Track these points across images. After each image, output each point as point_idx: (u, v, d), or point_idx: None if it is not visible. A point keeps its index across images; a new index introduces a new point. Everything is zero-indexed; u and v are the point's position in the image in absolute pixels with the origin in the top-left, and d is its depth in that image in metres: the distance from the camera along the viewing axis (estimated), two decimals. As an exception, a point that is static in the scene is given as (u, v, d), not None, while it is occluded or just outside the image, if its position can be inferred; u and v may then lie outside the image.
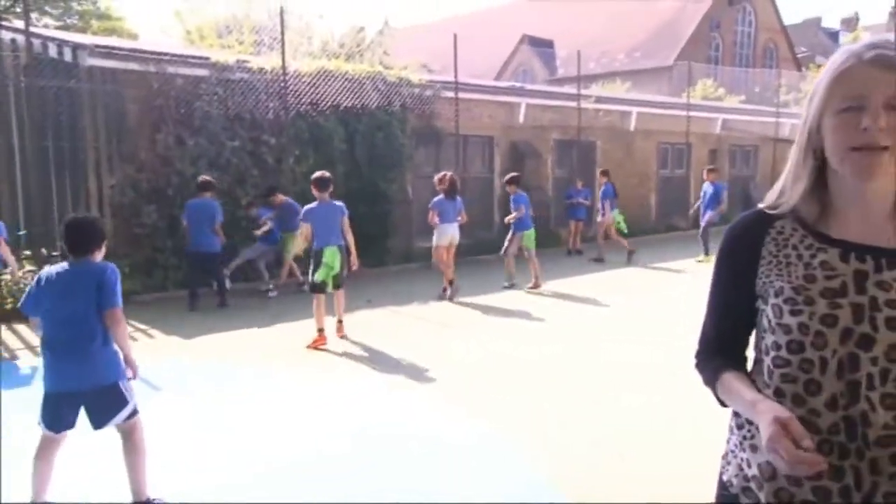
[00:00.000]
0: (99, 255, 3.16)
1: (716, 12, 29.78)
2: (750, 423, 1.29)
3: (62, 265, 3.13)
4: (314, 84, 10.67)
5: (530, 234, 9.54)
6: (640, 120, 16.38)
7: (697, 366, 1.41)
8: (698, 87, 22.83)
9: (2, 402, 4.35)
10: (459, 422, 4.42)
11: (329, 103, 10.77)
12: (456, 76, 12.35)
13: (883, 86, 1.14)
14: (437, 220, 8.76)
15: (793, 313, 1.20)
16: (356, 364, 5.86)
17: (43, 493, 3.09)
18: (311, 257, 6.56)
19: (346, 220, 6.51)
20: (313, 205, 6.53)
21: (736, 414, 1.36)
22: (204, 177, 8.54)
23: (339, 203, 6.59)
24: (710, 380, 1.36)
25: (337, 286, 6.62)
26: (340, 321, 6.79)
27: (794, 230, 1.27)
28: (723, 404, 1.37)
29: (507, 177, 9.85)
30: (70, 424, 3.09)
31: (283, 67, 10.41)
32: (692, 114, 17.30)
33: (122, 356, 3.12)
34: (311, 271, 6.60)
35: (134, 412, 3.16)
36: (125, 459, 3.16)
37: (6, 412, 4.20)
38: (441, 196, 8.79)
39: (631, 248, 12.14)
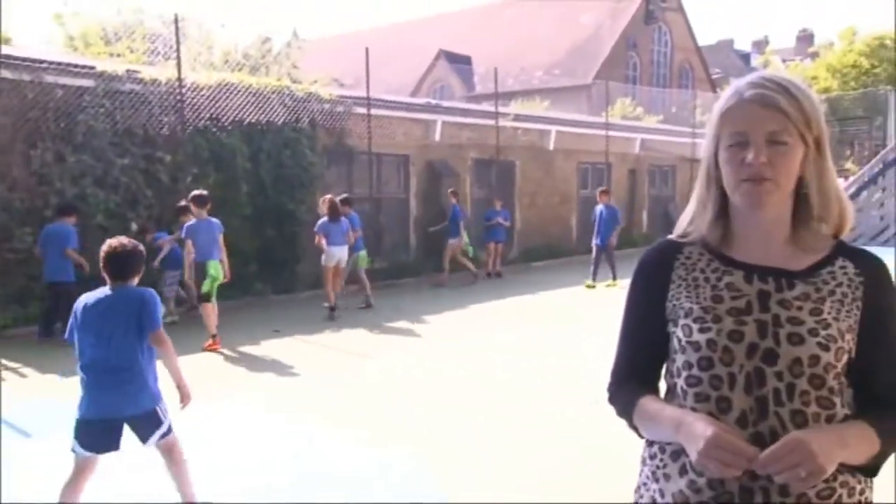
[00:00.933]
0: (136, 281, 3.41)
1: (632, 31, 31.31)
2: (662, 451, 1.36)
3: (102, 290, 3.35)
4: (214, 98, 10.45)
5: (363, 254, 10.14)
6: (560, 139, 16.87)
7: (611, 398, 1.48)
8: (617, 107, 23.77)
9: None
10: (389, 447, 4.40)
11: (231, 118, 10.57)
12: (368, 91, 12.37)
13: (763, 122, 1.28)
14: (323, 242, 9.21)
15: (701, 331, 1.30)
16: (264, 397, 5.72)
17: None
18: (194, 270, 7.54)
19: (221, 237, 7.51)
20: (192, 222, 7.49)
21: (649, 444, 1.42)
22: (68, 202, 8.45)
23: (215, 220, 7.56)
24: (626, 408, 1.42)
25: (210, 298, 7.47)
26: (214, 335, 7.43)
27: (702, 255, 1.39)
28: (639, 435, 1.43)
29: (340, 197, 10.02)
30: (113, 447, 3.28)
31: (180, 79, 10.15)
32: (611, 133, 17.98)
33: (170, 379, 3.40)
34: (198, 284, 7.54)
35: (168, 430, 3.39)
36: (170, 473, 3.43)
37: None
38: (325, 219, 9.28)
39: (476, 272, 12.54)
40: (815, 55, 31.56)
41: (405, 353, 7.36)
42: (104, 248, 3.36)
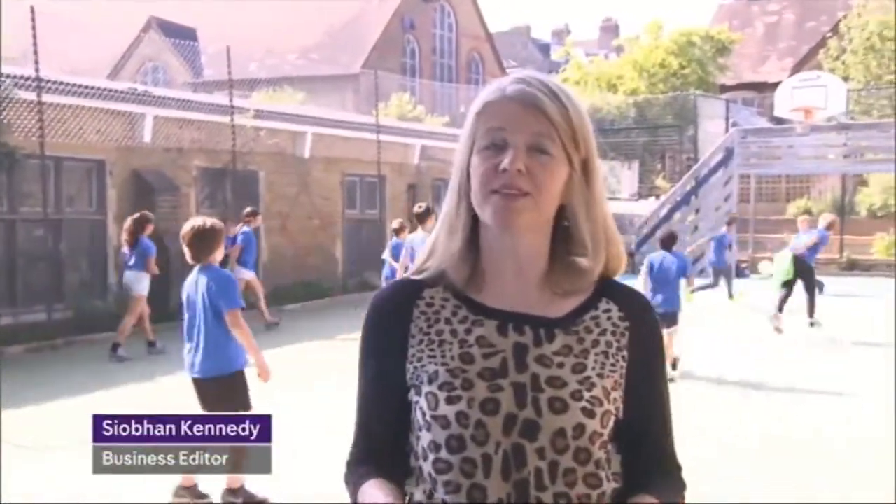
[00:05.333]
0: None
1: (408, 9, 32.57)
2: None
3: None
4: None
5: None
6: (319, 144, 16.95)
7: (345, 478, 1.52)
8: (392, 104, 24.45)
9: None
10: None
11: None
12: (37, 68, 11.61)
13: (524, 124, 1.37)
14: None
15: (450, 401, 1.36)
16: None
17: None
18: None
19: None
20: None
21: None
22: None
23: None
24: (353, 494, 1.47)
25: None
26: None
27: (446, 300, 1.46)
28: None
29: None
30: None
31: None
32: (384, 138, 18.34)
33: None
34: None
35: None
36: None
37: None
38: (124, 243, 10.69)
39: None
40: (620, 49, 35.04)
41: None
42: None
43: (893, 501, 4.58)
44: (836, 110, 20.84)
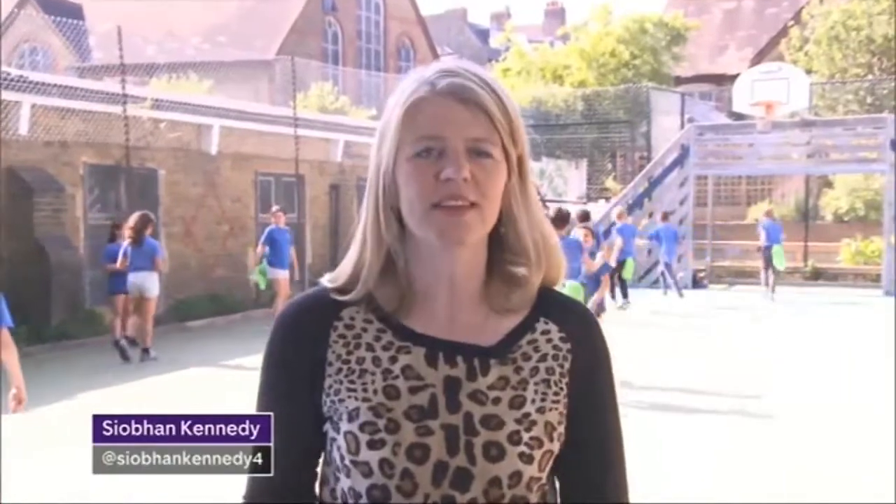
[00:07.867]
0: None
1: (330, -12, 32.53)
2: None
3: None
4: None
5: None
6: (228, 138, 16.80)
7: None
8: (312, 94, 24.35)
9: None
10: None
11: None
12: None
13: (463, 124, 1.34)
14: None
15: (372, 445, 1.35)
16: None
17: None
18: None
19: None
20: None
21: None
22: None
23: None
24: None
25: None
26: None
27: (368, 323, 1.43)
28: None
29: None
30: None
31: None
32: (303, 132, 18.29)
33: None
34: None
35: None
36: None
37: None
38: (126, 242, 11.70)
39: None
40: (566, 37, 35.36)
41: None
42: None
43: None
44: (798, 105, 21.24)
